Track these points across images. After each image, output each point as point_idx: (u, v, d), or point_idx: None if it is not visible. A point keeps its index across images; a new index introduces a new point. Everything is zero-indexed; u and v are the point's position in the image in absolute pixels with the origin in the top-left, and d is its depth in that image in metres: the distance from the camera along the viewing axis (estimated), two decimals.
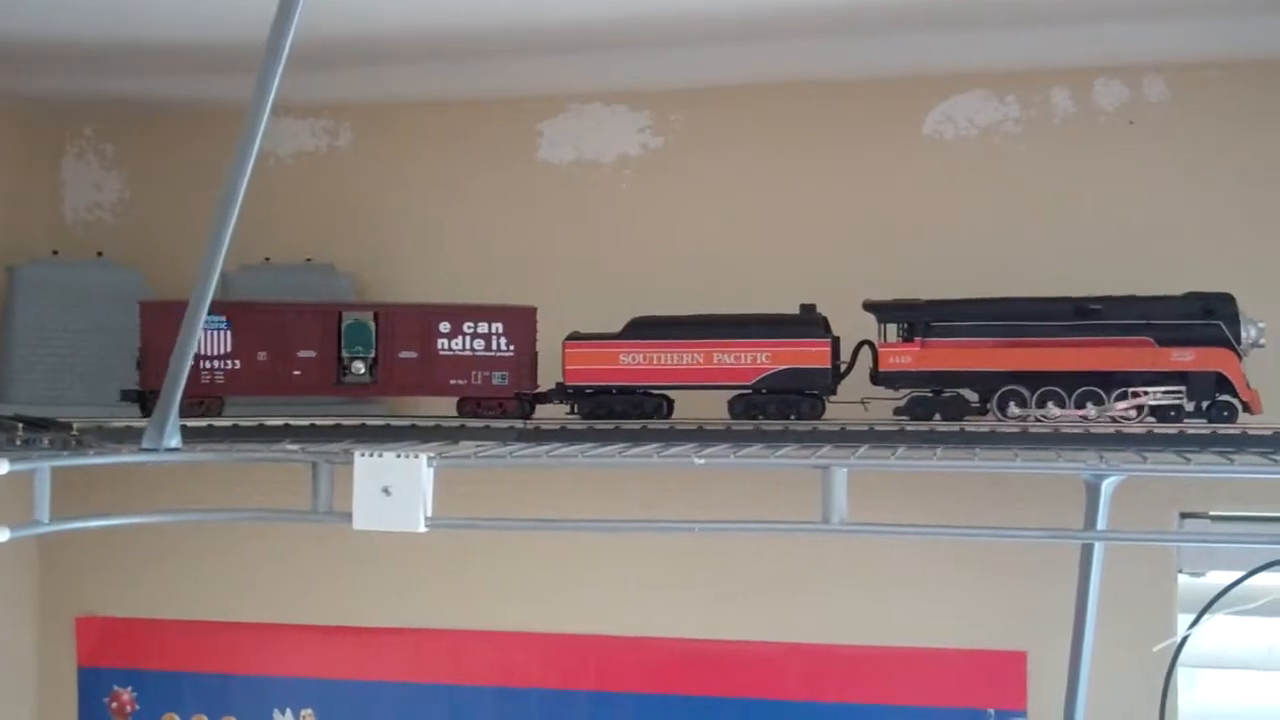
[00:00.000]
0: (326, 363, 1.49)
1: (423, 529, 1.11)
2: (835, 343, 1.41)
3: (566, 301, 1.61)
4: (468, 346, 1.48)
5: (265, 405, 1.51)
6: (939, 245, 1.64)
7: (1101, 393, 1.34)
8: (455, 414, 1.49)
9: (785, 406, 1.40)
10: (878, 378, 1.40)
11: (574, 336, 1.46)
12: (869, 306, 1.43)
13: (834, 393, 1.42)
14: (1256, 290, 1.39)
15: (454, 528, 1.13)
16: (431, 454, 1.12)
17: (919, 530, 1.12)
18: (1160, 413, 1.32)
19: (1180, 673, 1.57)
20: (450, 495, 1.12)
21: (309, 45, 1.50)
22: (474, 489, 1.23)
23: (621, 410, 1.44)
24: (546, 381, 1.49)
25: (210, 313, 1.40)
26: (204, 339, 1.46)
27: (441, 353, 1.48)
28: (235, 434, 1.37)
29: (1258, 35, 1.49)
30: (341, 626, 1.81)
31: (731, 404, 1.43)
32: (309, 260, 1.77)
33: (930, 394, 1.39)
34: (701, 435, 1.34)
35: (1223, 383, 1.31)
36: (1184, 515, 1.57)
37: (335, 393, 1.50)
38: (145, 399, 1.46)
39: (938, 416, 1.37)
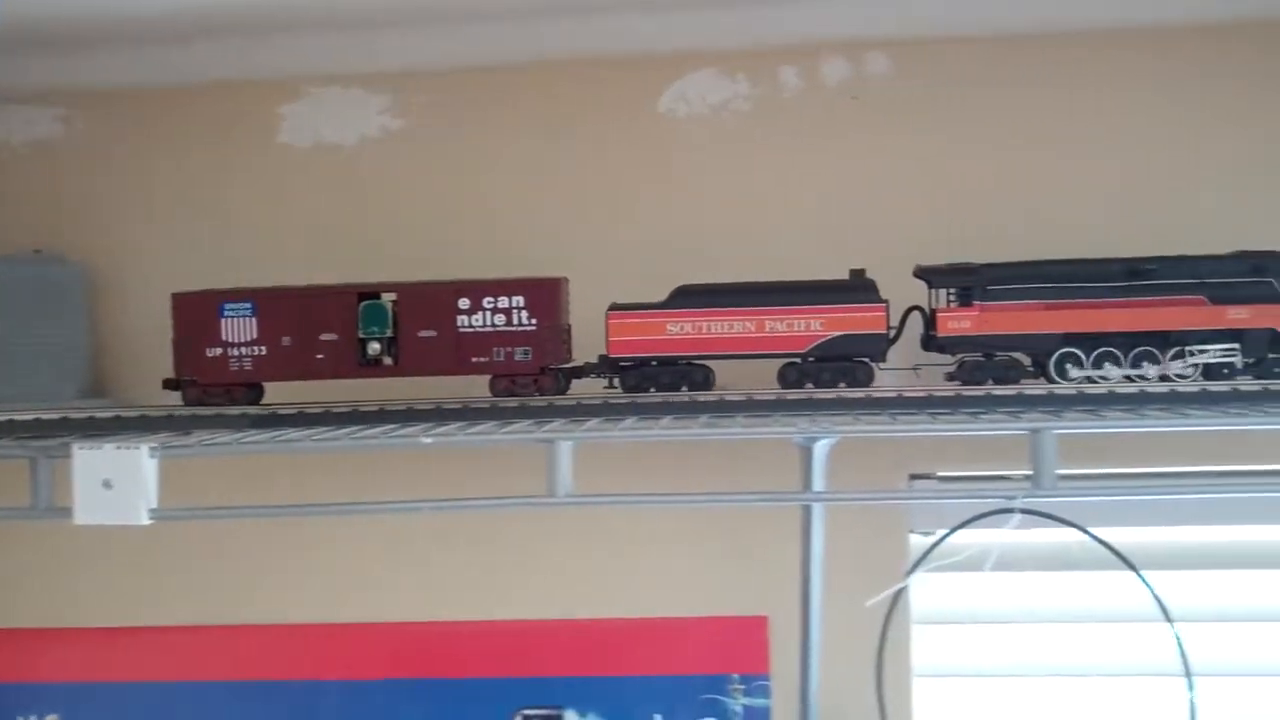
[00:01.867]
0: (347, 345, 1.42)
1: (146, 521, 1.12)
2: (888, 307, 1.39)
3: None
4: (488, 322, 1.41)
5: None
6: (681, 221, 1.65)
7: (1157, 352, 1.35)
8: (489, 393, 1.44)
9: (839, 374, 1.38)
10: (934, 343, 1.39)
11: (616, 307, 1.41)
12: (922, 271, 1.41)
13: (885, 359, 1.40)
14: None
15: (179, 519, 1.15)
16: (154, 444, 1.13)
17: (642, 499, 1.20)
18: (1213, 371, 1.34)
19: (916, 630, 1.61)
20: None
21: (38, 29, 1.44)
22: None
23: (668, 382, 1.40)
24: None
25: (237, 300, 1.36)
26: (230, 326, 1.41)
27: (462, 330, 1.41)
28: None
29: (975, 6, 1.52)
30: (89, 628, 1.76)
31: (784, 372, 1.40)
32: (38, 251, 1.69)
33: (983, 358, 1.39)
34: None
35: (1275, 339, 1.33)
36: (914, 476, 1.60)
37: (358, 374, 1.43)
38: (183, 387, 1.45)
39: (991, 381, 1.37)
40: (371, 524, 1.70)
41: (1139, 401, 1.25)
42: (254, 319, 1.42)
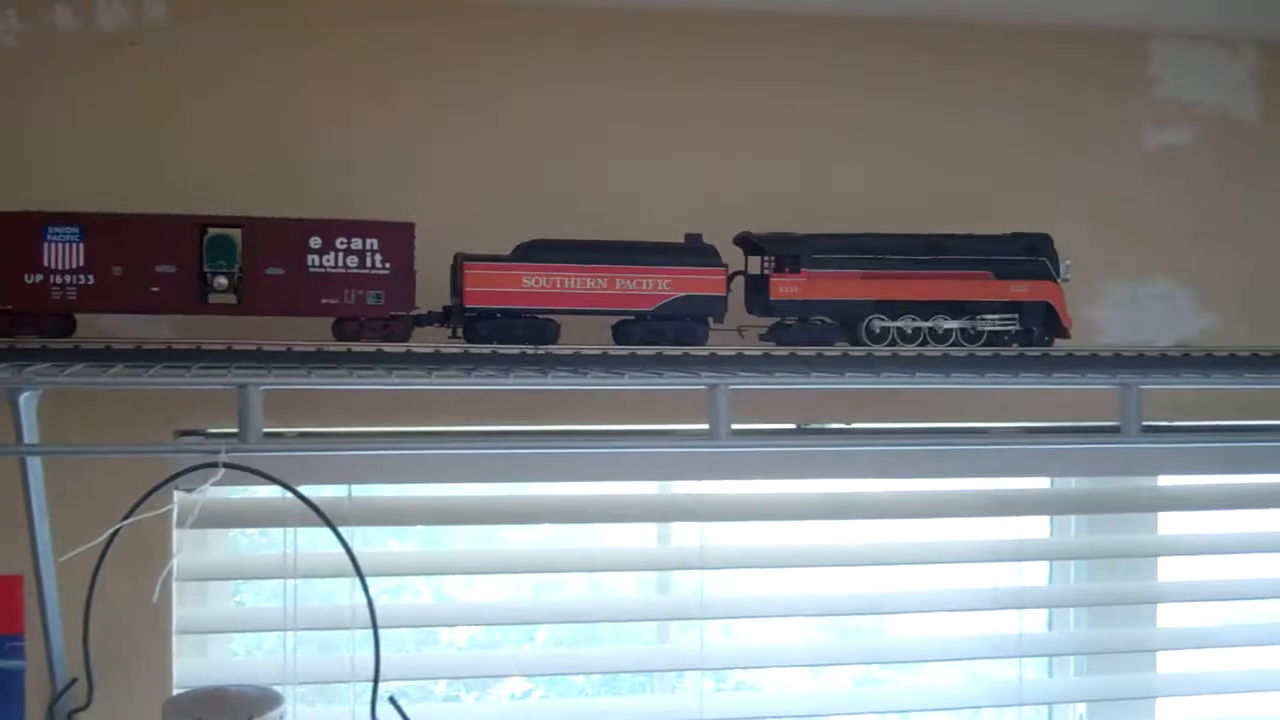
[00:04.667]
0: (187, 279, 1.34)
1: None
2: (728, 271, 1.49)
3: None
4: (340, 263, 1.38)
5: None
6: None
7: (949, 319, 1.53)
8: (331, 338, 1.40)
9: (682, 332, 1.46)
10: (765, 306, 1.50)
11: (469, 257, 1.42)
12: (748, 238, 1.52)
13: (723, 319, 1.49)
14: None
15: None
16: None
17: None
18: (995, 337, 1.54)
19: (178, 586, 1.64)
20: None
21: None
22: None
23: (522, 334, 1.43)
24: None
25: (61, 224, 1.27)
26: (53, 252, 1.29)
27: (312, 270, 1.38)
28: None
29: None
30: None
31: (629, 328, 1.46)
32: None
33: (791, 322, 1.51)
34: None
35: (1049, 311, 1.54)
36: (181, 432, 1.58)
37: (197, 311, 1.35)
38: None
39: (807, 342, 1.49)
40: None
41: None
42: (81, 244, 1.31)
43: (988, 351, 1.48)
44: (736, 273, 1.53)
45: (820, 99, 1.77)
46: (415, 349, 1.33)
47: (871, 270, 1.51)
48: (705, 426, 1.27)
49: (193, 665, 1.67)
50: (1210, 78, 1.88)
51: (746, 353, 1.40)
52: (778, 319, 1.52)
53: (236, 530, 1.78)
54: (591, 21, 1.71)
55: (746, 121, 1.75)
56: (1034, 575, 1.93)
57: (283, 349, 1.29)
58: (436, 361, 1.31)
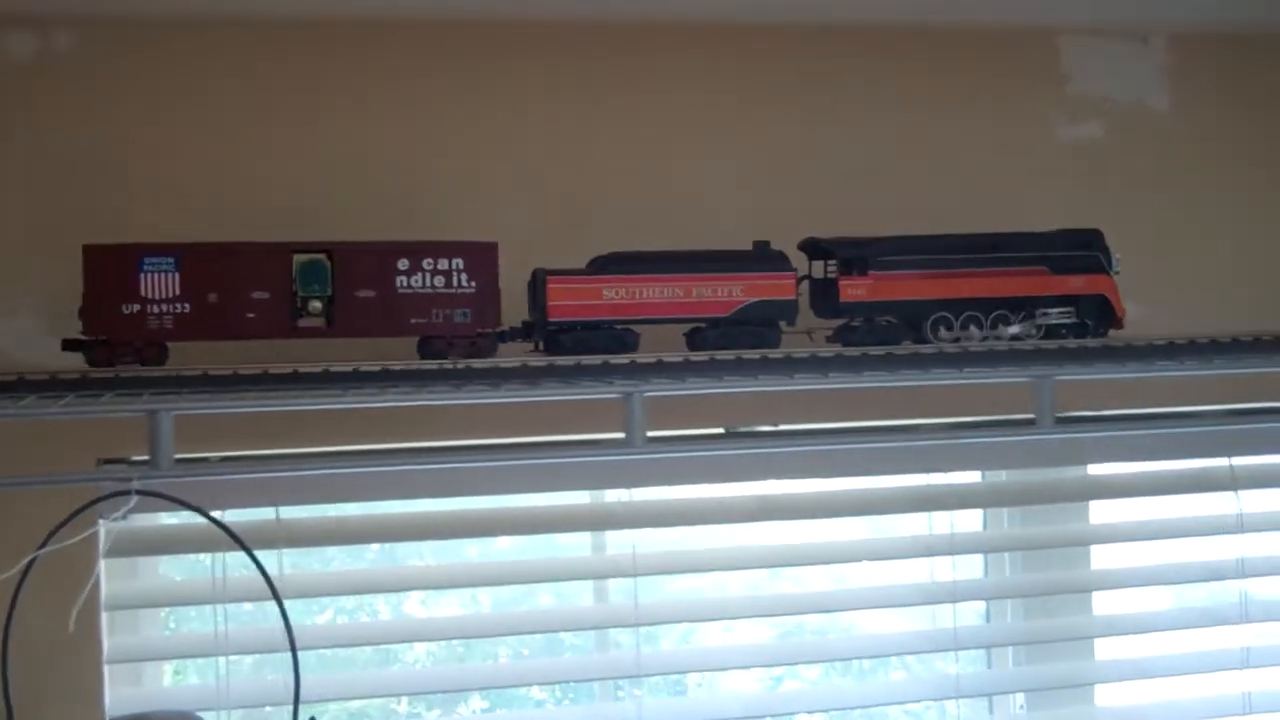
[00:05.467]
0: (281, 304, 1.36)
1: None
2: (797, 276, 1.53)
3: None
4: (428, 284, 1.41)
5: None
6: None
7: (1011, 315, 1.58)
8: (416, 355, 1.43)
9: (756, 336, 1.50)
10: (835, 309, 1.54)
11: (550, 273, 1.45)
12: (816, 243, 1.56)
13: (795, 323, 1.53)
14: None
15: None
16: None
17: None
18: (1053, 331, 1.58)
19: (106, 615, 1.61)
20: None
21: None
22: None
23: (604, 345, 1.46)
24: None
25: (156, 254, 1.29)
26: (149, 282, 1.31)
27: (401, 291, 1.40)
28: None
29: None
30: None
31: (704, 334, 1.49)
32: None
33: (859, 323, 1.55)
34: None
35: (1104, 303, 1.59)
36: (105, 461, 1.57)
37: (292, 335, 1.37)
38: (89, 348, 1.34)
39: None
40: None
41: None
42: (176, 274, 1.33)
43: (904, 351, 1.49)
44: (802, 277, 1.56)
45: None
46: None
47: (934, 270, 1.55)
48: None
49: (126, 694, 1.65)
50: (1121, 72, 1.90)
51: (666, 359, 1.41)
52: (844, 321, 1.55)
53: (171, 556, 1.73)
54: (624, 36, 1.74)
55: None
56: (970, 570, 1.93)
57: (198, 373, 1.27)
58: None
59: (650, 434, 1.30)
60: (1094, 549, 1.96)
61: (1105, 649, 1.95)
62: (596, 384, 1.34)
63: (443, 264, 1.41)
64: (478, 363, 1.37)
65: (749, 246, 1.53)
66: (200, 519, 1.25)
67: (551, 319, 1.44)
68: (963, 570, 1.88)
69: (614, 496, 1.80)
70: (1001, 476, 1.94)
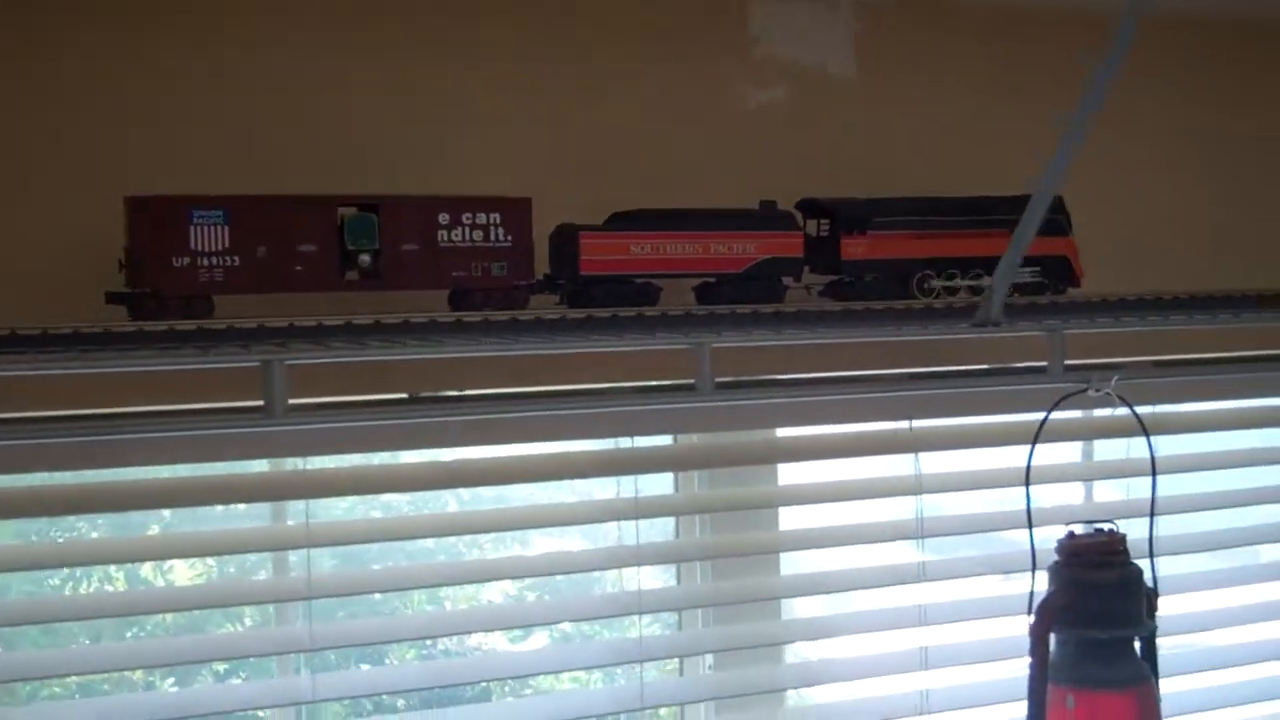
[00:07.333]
0: (329, 258, 1.36)
1: None
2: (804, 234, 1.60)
3: None
4: (468, 238, 1.43)
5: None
6: None
7: (985, 273, 1.69)
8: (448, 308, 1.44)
9: (765, 291, 1.57)
10: (835, 265, 1.62)
11: (580, 228, 1.48)
12: (814, 202, 1.63)
13: (801, 279, 1.61)
14: None
15: None
16: None
17: None
18: (1025, 288, 1.71)
19: None
20: None
21: None
22: None
23: (632, 298, 1.50)
24: None
25: (205, 206, 1.28)
26: (199, 234, 1.29)
27: (442, 245, 1.42)
28: None
29: None
30: None
31: (716, 289, 1.55)
32: None
33: (849, 280, 1.64)
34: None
35: (1066, 263, 1.73)
36: None
37: (339, 289, 1.37)
38: (134, 300, 1.31)
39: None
40: None
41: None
42: (226, 227, 1.31)
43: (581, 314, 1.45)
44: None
45: None
46: (525, 315, 1.40)
47: (924, 230, 1.65)
48: None
49: None
50: (808, 37, 1.85)
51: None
52: (837, 277, 1.64)
53: None
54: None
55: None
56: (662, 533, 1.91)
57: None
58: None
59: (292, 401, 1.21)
60: (782, 511, 1.94)
61: (793, 609, 1.94)
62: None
63: (480, 218, 1.42)
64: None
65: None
66: None
67: (583, 272, 1.48)
68: (655, 534, 1.85)
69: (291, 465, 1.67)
70: (694, 440, 1.88)
